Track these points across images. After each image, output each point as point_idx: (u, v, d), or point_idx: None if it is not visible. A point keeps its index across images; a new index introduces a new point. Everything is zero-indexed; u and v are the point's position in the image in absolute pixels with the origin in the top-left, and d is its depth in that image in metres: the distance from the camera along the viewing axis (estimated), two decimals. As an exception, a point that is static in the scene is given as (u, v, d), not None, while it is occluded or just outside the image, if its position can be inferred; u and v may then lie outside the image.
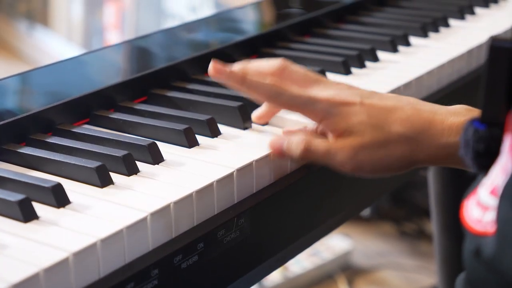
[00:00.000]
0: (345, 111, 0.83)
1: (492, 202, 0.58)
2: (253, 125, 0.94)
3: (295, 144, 0.83)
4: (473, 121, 0.65)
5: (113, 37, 3.21)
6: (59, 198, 0.75)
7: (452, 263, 1.60)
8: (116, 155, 0.82)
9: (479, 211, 0.59)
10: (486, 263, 0.57)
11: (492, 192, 0.58)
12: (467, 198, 0.61)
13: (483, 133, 0.63)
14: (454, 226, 1.57)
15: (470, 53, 1.22)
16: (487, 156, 0.63)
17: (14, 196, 0.73)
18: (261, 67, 0.87)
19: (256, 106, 0.96)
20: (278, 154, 0.85)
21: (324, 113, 0.83)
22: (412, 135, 0.82)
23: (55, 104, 0.91)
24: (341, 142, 0.82)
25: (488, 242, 0.57)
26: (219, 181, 0.80)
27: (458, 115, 0.83)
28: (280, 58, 0.87)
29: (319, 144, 0.83)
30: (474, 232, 0.58)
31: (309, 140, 0.83)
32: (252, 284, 0.89)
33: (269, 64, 0.87)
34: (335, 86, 0.86)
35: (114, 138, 0.87)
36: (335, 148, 0.82)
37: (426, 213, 2.20)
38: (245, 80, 0.86)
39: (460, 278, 0.63)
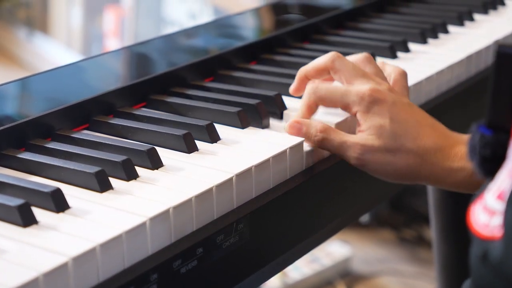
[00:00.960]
0: (374, 109, 0.89)
1: (499, 206, 0.58)
2: (253, 130, 0.94)
3: (314, 131, 0.90)
4: (479, 126, 0.65)
5: (113, 44, 3.22)
6: (59, 203, 0.75)
7: (452, 270, 1.60)
8: (116, 160, 0.82)
9: (486, 215, 0.59)
10: (493, 267, 0.57)
11: (499, 196, 0.59)
12: (474, 203, 0.61)
13: (490, 139, 0.63)
14: (454, 233, 1.57)
15: (469, 59, 1.22)
16: (493, 161, 0.63)
17: (14, 201, 0.73)
18: (316, 63, 0.95)
19: (255, 111, 0.96)
20: (295, 136, 0.91)
21: (356, 106, 0.89)
22: (421, 153, 0.87)
23: (54, 109, 0.91)
24: (356, 138, 0.88)
25: (495, 246, 0.57)
26: (219, 186, 0.80)
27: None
28: (331, 52, 0.95)
29: (336, 135, 0.89)
30: (481, 237, 0.59)
31: (329, 129, 0.89)
32: (252, 290, 0.89)
33: (323, 58, 0.95)
34: (377, 81, 0.92)
35: (114, 144, 0.87)
36: (348, 142, 0.88)
37: (425, 220, 2.20)
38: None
39: (467, 284, 0.63)
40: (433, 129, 0.89)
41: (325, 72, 0.95)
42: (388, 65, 0.98)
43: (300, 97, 0.96)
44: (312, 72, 0.96)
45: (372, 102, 0.89)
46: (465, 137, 0.89)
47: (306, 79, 0.97)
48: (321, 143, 0.89)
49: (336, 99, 0.91)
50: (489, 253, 0.57)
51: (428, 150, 0.88)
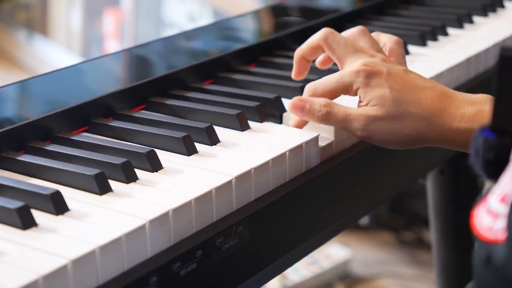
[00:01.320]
0: (372, 82, 0.89)
1: (502, 209, 0.58)
2: (252, 132, 0.94)
3: (318, 106, 0.90)
4: (482, 130, 0.65)
5: (112, 46, 3.22)
6: (58, 206, 0.75)
7: (451, 272, 1.60)
8: (115, 162, 0.82)
9: (489, 218, 0.59)
10: (497, 271, 0.57)
11: (502, 199, 0.59)
12: (477, 206, 0.61)
13: (493, 142, 0.63)
14: (453, 235, 1.57)
15: (468, 61, 1.22)
16: (497, 164, 0.63)
17: (13, 204, 0.73)
18: (310, 41, 0.96)
19: (255, 113, 0.96)
20: (298, 115, 0.92)
21: (354, 84, 0.90)
22: (426, 116, 0.88)
23: (54, 112, 0.91)
24: (360, 110, 0.89)
25: (498, 249, 0.57)
26: (218, 188, 0.80)
27: (475, 104, 0.89)
28: (324, 28, 0.95)
29: (340, 109, 0.89)
30: (485, 240, 0.59)
31: (332, 103, 0.90)
32: (251, 292, 0.89)
33: (316, 35, 0.95)
34: (370, 54, 0.93)
35: (113, 146, 0.87)
36: (352, 114, 0.89)
37: (425, 222, 2.20)
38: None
39: (469, 287, 0.63)
40: (434, 91, 0.90)
41: (319, 50, 0.96)
42: (383, 35, 0.99)
43: None
44: (307, 51, 0.97)
45: (368, 76, 0.89)
46: (470, 96, 0.90)
47: (303, 59, 0.98)
48: (325, 117, 0.90)
49: (334, 86, 0.91)
50: (493, 256, 0.57)
51: (433, 112, 0.88)
